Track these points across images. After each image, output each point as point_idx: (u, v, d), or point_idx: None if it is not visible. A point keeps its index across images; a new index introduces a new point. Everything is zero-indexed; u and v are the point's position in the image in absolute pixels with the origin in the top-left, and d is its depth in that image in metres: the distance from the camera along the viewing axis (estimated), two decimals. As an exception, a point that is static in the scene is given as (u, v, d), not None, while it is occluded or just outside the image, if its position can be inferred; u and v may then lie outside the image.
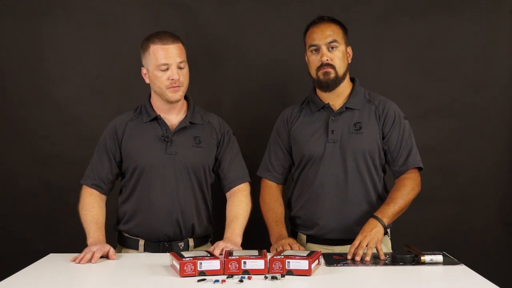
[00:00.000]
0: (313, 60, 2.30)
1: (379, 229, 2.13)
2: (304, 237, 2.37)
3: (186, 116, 2.33)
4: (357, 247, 2.07)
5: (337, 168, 2.29)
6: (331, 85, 2.29)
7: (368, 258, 2.05)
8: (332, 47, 2.27)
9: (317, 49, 2.28)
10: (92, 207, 2.28)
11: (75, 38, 2.89)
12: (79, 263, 2.06)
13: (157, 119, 2.31)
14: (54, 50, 2.89)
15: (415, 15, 2.89)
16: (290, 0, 2.91)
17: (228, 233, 2.23)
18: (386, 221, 2.17)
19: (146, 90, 2.36)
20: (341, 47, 2.29)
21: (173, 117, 2.33)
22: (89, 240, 2.19)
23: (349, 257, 2.08)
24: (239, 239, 2.22)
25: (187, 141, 2.31)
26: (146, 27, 2.63)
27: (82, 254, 2.09)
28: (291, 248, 2.12)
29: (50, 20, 2.88)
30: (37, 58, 2.90)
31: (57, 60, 2.90)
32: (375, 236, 2.10)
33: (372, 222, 2.16)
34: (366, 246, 2.07)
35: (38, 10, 2.88)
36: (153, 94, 2.31)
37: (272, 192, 2.42)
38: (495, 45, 2.91)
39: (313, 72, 2.31)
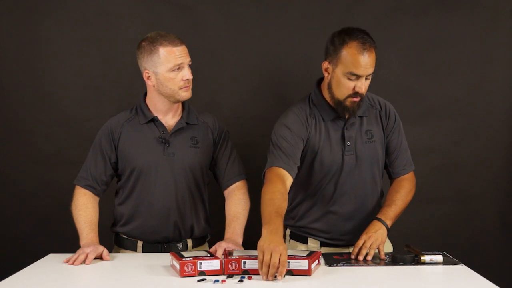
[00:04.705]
0: (347, 86, 2.14)
1: (383, 231, 2.14)
2: (317, 242, 2.32)
3: (182, 117, 2.33)
4: (361, 247, 2.09)
5: (355, 179, 2.25)
6: (355, 112, 2.21)
7: (369, 258, 2.06)
8: (368, 77, 2.15)
9: (357, 78, 2.12)
10: (85, 208, 2.27)
11: (75, 38, 2.88)
12: (72, 264, 2.05)
13: (154, 120, 2.30)
14: (54, 50, 2.89)
15: (415, 15, 2.89)
16: (290, 0, 2.90)
17: (228, 233, 2.23)
18: (389, 223, 2.18)
19: (146, 90, 2.35)
20: None
21: (170, 118, 2.32)
22: (83, 241, 2.18)
23: (352, 256, 2.09)
24: (240, 239, 2.22)
25: (184, 142, 2.31)
26: (146, 27, 2.63)
27: (75, 255, 2.09)
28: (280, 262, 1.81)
29: (50, 20, 2.88)
30: (37, 58, 2.89)
31: (57, 60, 2.89)
32: (379, 237, 2.11)
33: (376, 223, 2.16)
34: (370, 246, 2.08)
35: (38, 10, 2.87)
36: (152, 95, 2.30)
37: (280, 180, 2.09)
38: (495, 45, 2.90)
39: (340, 96, 2.17)
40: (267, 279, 1.80)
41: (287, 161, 2.15)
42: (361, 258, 2.06)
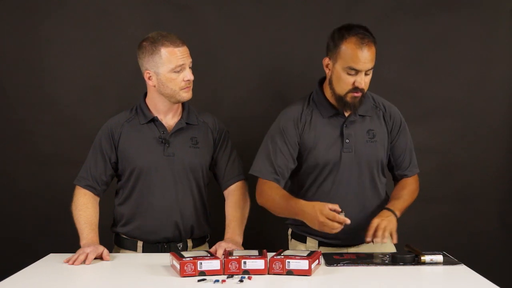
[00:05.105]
0: (346, 81, 2.15)
1: (393, 218, 2.16)
2: (316, 242, 2.33)
3: (182, 117, 2.33)
4: (375, 229, 2.11)
5: (354, 178, 2.25)
6: (356, 108, 2.21)
7: (385, 240, 2.10)
8: (368, 72, 2.17)
9: (356, 73, 2.14)
10: (86, 208, 2.27)
11: (75, 38, 2.88)
12: (72, 264, 2.06)
13: (154, 120, 2.30)
14: (54, 50, 2.89)
15: (415, 15, 2.89)
16: (290, 0, 2.90)
17: (228, 233, 2.23)
18: (398, 213, 2.19)
19: (146, 90, 2.35)
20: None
21: (170, 118, 2.32)
22: (83, 241, 2.19)
23: (368, 239, 2.11)
24: (240, 239, 2.22)
25: (184, 142, 2.31)
26: (146, 27, 2.63)
27: (75, 255, 2.09)
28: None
29: (50, 20, 2.88)
30: (37, 58, 2.89)
31: (56, 60, 2.89)
32: (390, 222, 2.13)
33: (386, 212, 2.18)
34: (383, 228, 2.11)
35: (38, 10, 2.87)
36: (153, 95, 2.30)
37: (270, 186, 2.24)
38: (495, 45, 2.91)
39: (340, 91, 2.18)
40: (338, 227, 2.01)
41: (275, 174, 2.24)
42: (378, 240, 2.09)
